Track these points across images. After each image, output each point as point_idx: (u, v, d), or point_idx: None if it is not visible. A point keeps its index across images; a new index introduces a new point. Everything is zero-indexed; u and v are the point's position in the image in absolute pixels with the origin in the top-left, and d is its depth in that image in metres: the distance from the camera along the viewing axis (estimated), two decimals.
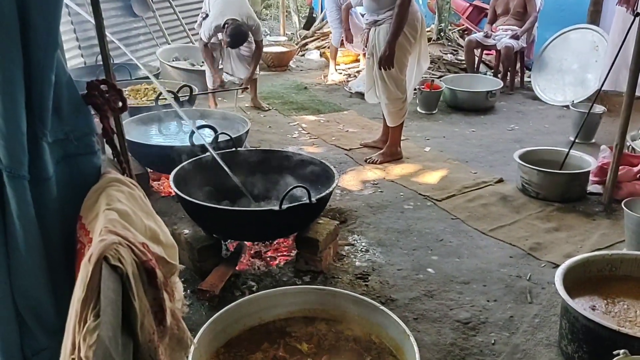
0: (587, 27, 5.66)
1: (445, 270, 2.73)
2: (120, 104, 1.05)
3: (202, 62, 6.13)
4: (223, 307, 1.92)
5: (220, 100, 5.62)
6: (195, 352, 1.58)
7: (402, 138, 4.41)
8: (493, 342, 2.20)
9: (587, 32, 5.64)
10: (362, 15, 5.07)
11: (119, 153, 1.09)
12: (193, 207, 2.50)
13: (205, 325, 1.75)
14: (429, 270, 2.73)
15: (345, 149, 4.43)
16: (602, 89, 3.80)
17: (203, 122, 3.26)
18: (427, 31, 7.42)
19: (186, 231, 2.68)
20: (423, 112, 5.43)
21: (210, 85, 5.23)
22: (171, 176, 2.65)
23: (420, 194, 3.62)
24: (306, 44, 8.31)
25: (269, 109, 5.50)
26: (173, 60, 6.11)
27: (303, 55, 8.05)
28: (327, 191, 2.55)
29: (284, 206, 2.38)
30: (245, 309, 1.87)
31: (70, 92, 0.96)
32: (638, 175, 3.35)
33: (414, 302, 2.46)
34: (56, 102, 0.92)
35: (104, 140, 1.07)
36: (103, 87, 1.03)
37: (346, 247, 2.93)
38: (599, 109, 4.54)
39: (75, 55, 5.72)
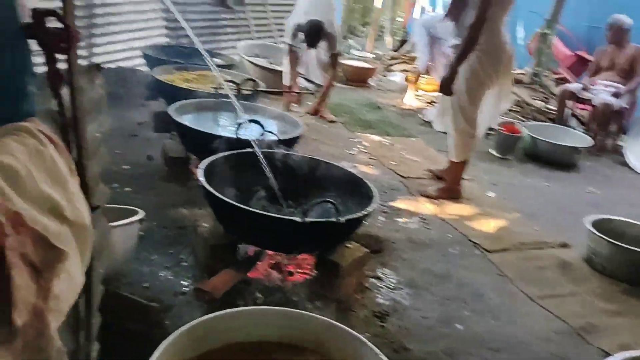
0: None
1: (476, 330, 2.39)
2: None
3: (281, 62, 6.09)
4: None
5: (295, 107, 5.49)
6: None
7: (467, 177, 4.09)
8: None
9: None
10: None
11: (60, 104, 0.91)
12: (212, 200, 2.33)
13: (175, 333, 1.54)
14: (458, 325, 2.41)
15: (402, 176, 4.14)
16: None
17: (252, 118, 3.10)
18: (521, 73, 7.05)
19: (205, 225, 2.52)
20: (497, 155, 5.04)
21: (285, 83, 5.14)
22: (201, 164, 2.49)
23: (470, 239, 3.28)
24: (392, 65, 8.09)
25: (334, 121, 5.32)
26: (252, 56, 6.07)
27: (386, 75, 7.84)
28: (359, 214, 2.30)
29: (308, 219, 2.16)
30: (227, 323, 1.65)
31: (6, 17, 0.79)
32: None
33: (430, 358, 2.15)
34: None
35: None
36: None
37: (372, 280, 2.66)
38: None
39: (160, 34, 5.83)
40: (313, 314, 1.70)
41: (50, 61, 0.86)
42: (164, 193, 3.22)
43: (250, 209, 2.25)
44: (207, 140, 3.03)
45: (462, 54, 3.44)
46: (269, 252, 2.62)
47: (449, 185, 3.86)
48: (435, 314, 2.46)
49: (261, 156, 2.58)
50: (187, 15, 5.95)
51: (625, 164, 5.34)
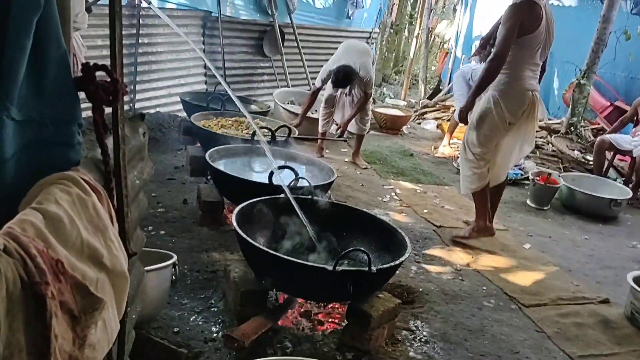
0: None
1: None
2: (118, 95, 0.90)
3: (316, 110, 6.20)
4: None
5: (328, 153, 5.53)
6: None
7: (502, 228, 4.10)
8: None
9: None
10: None
11: (105, 152, 0.94)
12: (244, 245, 2.34)
13: None
14: None
15: (435, 225, 4.09)
16: None
17: (286, 164, 3.14)
18: (557, 123, 6.98)
19: (237, 270, 2.52)
20: (533, 206, 4.94)
21: (320, 129, 5.22)
22: (235, 210, 2.52)
23: (506, 293, 3.19)
24: (425, 112, 8.13)
25: (367, 168, 5.33)
26: (288, 103, 6.20)
27: (419, 123, 7.87)
28: (391, 263, 2.27)
29: (339, 268, 2.14)
30: None
31: (59, 71, 0.84)
32: None
33: None
34: (38, 77, 0.79)
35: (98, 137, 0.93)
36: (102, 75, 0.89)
37: (404, 332, 2.59)
38: None
39: (199, 81, 6.03)
40: None
41: (98, 112, 0.90)
42: (198, 237, 3.25)
43: (281, 255, 2.25)
44: (241, 186, 3.09)
45: (479, 86, 3.52)
46: (300, 299, 2.60)
47: (477, 222, 3.81)
48: None
49: (294, 202, 2.59)
50: (227, 63, 6.16)
51: None
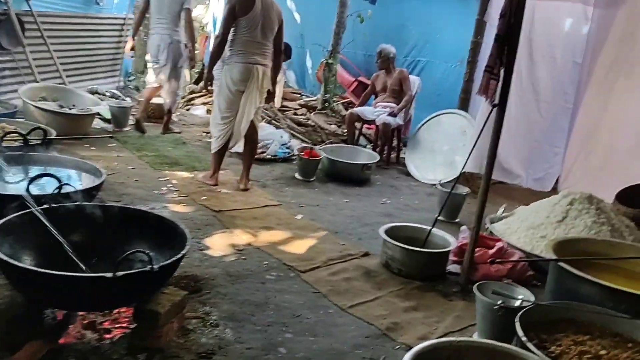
0: (457, 112, 6.06)
1: (298, 351, 2.55)
2: None
3: (73, 105, 5.78)
4: None
5: (94, 150, 5.19)
6: None
7: (276, 204, 4.52)
8: None
9: (457, 117, 6.03)
10: None
11: None
12: (5, 267, 2.14)
13: None
14: (281, 349, 2.54)
15: (215, 210, 4.21)
16: (469, 171, 3.99)
17: (44, 171, 2.90)
18: (314, 100, 7.64)
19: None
20: (301, 179, 5.40)
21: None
22: None
23: (285, 263, 3.48)
24: (193, 98, 8.12)
25: (179, 132, 5.43)
26: (39, 100, 5.61)
27: (188, 109, 7.84)
28: (172, 259, 2.31)
29: (119, 273, 2.11)
30: None
31: None
32: (492, 259, 3.46)
33: None
34: None
35: None
36: None
37: (194, 321, 2.66)
38: (463, 190, 4.77)
39: None
40: None
41: None
42: None
43: (51, 272, 2.10)
44: None
45: (210, 61, 4.60)
46: (81, 312, 2.48)
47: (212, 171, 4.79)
48: (258, 343, 2.56)
49: (41, 214, 2.40)
50: None
51: (408, 174, 6.13)
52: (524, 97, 5.55)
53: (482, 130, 3.58)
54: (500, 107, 3.16)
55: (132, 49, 6.36)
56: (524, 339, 2.11)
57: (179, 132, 6.46)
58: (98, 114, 6.06)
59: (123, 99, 7.21)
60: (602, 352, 2.21)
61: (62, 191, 2.73)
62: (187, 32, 6.00)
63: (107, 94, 7.41)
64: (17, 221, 2.42)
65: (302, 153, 5.40)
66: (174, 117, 6.91)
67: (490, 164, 3.25)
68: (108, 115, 6.26)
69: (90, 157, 4.65)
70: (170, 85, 6.08)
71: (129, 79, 8.81)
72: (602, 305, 2.53)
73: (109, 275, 2.08)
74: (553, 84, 5.58)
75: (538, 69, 5.55)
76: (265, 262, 3.46)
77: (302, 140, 6.47)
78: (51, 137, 3.91)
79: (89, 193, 3.05)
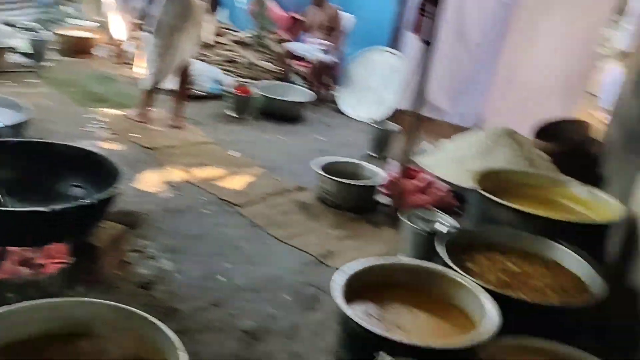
0: (388, 49, 6.15)
1: (237, 278, 2.67)
2: None
3: None
4: None
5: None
6: None
7: (211, 141, 4.53)
8: (274, 350, 2.19)
9: (388, 54, 6.13)
10: None
11: None
12: None
13: None
14: (220, 277, 2.65)
15: (147, 147, 4.15)
16: (401, 108, 4.12)
17: None
18: (247, 37, 7.47)
19: None
20: (235, 116, 5.36)
21: None
22: None
23: (221, 199, 3.53)
24: None
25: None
26: None
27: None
28: (108, 193, 2.31)
29: (56, 207, 2.09)
30: None
31: None
32: (421, 190, 3.67)
33: (200, 312, 2.35)
34: None
35: None
36: None
37: (132, 254, 2.70)
38: (394, 126, 4.94)
39: None
40: (73, 299, 1.72)
41: None
42: None
43: None
44: None
45: None
46: (14, 249, 2.45)
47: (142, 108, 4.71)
48: (198, 273, 2.65)
49: None
50: None
51: (340, 111, 6.22)
52: (451, 36, 5.70)
53: (413, 68, 3.69)
54: (430, 44, 3.27)
55: None
56: (444, 257, 2.31)
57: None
58: (12, 48, 5.66)
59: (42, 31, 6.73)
60: (514, 268, 2.47)
61: None
62: None
63: (23, 26, 6.88)
64: None
65: (237, 90, 5.34)
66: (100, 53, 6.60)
67: (419, 101, 3.39)
68: (28, 50, 5.85)
69: (9, 93, 4.39)
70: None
71: (46, 10, 8.18)
72: (518, 228, 2.78)
73: (46, 209, 2.07)
74: (479, 22, 5.75)
75: (466, 7, 5.69)
76: (202, 198, 3.50)
77: (239, 77, 6.36)
78: None
79: (17, 130, 2.94)
